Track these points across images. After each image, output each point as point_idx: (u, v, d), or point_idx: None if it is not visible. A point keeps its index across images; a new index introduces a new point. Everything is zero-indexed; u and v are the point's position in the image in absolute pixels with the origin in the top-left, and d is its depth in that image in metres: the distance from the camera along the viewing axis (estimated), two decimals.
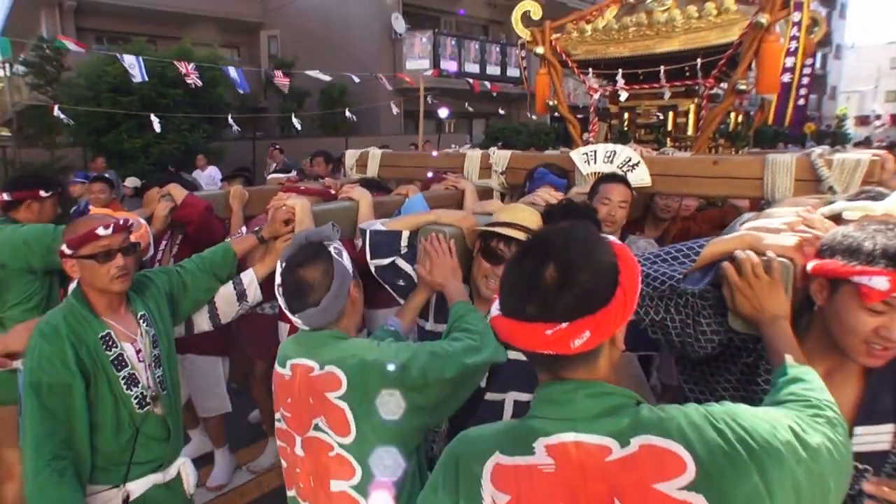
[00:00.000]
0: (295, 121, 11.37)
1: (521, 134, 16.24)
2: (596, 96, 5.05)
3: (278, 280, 1.69)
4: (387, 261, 2.21)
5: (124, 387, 2.06)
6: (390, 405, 1.53)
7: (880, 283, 1.20)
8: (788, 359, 1.26)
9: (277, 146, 10.84)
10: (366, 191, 2.96)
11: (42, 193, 3.30)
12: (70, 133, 12.02)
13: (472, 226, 2.14)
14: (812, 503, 0.96)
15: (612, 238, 1.08)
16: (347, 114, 13.09)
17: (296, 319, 1.65)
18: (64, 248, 2.02)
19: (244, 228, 3.34)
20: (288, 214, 2.54)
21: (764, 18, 3.74)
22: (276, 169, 6.44)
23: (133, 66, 8.29)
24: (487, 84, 15.62)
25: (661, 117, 4.84)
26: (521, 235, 1.97)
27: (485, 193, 3.60)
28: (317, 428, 1.57)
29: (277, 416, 1.71)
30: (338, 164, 6.56)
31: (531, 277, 1.01)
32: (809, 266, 1.35)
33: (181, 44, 12.67)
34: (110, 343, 2.05)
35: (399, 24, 16.93)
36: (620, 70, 4.65)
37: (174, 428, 2.27)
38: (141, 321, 2.18)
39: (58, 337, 1.95)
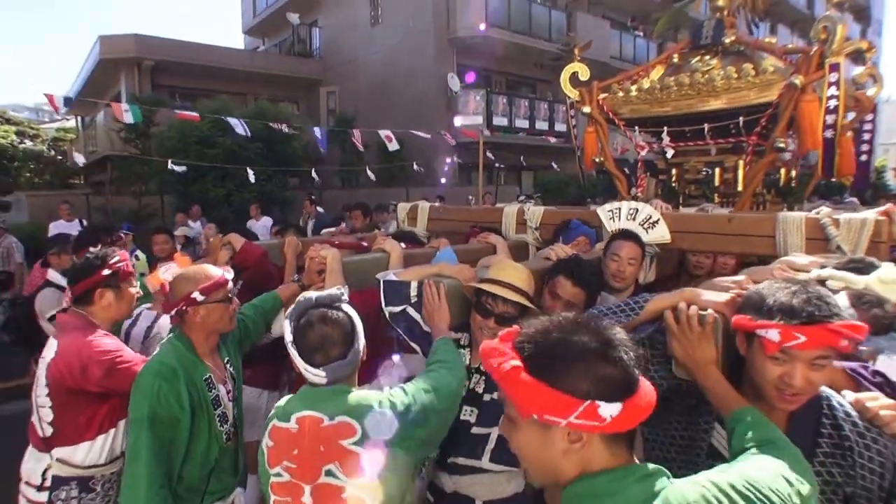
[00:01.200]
0: (369, 173, 12.20)
1: (570, 186, 16.50)
2: (643, 153, 5.18)
3: (291, 337, 1.79)
4: (398, 308, 2.40)
5: (218, 423, 2.28)
6: (402, 444, 1.74)
7: (773, 335, 1.35)
8: (736, 405, 1.42)
9: (312, 196, 11.27)
10: (396, 243, 3.11)
11: None
12: (160, 182, 13.02)
13: (469, 279, 2.37)
14: None
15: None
16: (416, 167, 13.90)
17: (317, 372, 1.75)
18: (196, 295, 2.22)
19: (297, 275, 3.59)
20: (320, 265, 2.75)
21: (798, 80, 3.91)
22: (313, 220, 7.07)
23: (237, 125, 9.46)
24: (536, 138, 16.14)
25: (709, 173, 4.93)
26: (503, 293, 2.15)
27: (519, 247, 3.71)
28: (329, 474, 1.68)
29: (275, 471, 1.74)
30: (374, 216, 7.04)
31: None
32: (732, 321, 1.49)
33: (259, 102, 13.66)
34: (210, 384, 2.27)
35: (454, 82, 17.56)
36: (666, 128, 4.81)
37: (240, 461, 2.49)
38: (227, 365, 2.44)
39: (175, 377, 2.14)
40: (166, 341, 2.31)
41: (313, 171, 11.98)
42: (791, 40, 22.19)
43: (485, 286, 2.20)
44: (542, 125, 18.83)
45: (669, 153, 4.89)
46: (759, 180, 4.48)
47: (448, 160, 13.94)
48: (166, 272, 2.75)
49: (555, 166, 18.30)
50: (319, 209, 10.77)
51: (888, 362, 1.71)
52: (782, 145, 4.12)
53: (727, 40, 4.66)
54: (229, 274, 2.36)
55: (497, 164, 17.03)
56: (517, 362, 1.07)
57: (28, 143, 20.35)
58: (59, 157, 19.67)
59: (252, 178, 10.52)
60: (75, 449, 2.44)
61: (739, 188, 4.77)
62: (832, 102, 3.90)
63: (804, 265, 2.11)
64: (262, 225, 10.75)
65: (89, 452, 2.46)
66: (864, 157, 5.35)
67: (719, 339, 1.55)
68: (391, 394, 1.81)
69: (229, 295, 2.33)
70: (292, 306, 1.89)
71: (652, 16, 23.12)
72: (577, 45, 5.38)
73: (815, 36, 3.98)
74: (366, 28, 19.71)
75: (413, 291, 2.39)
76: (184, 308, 2.23)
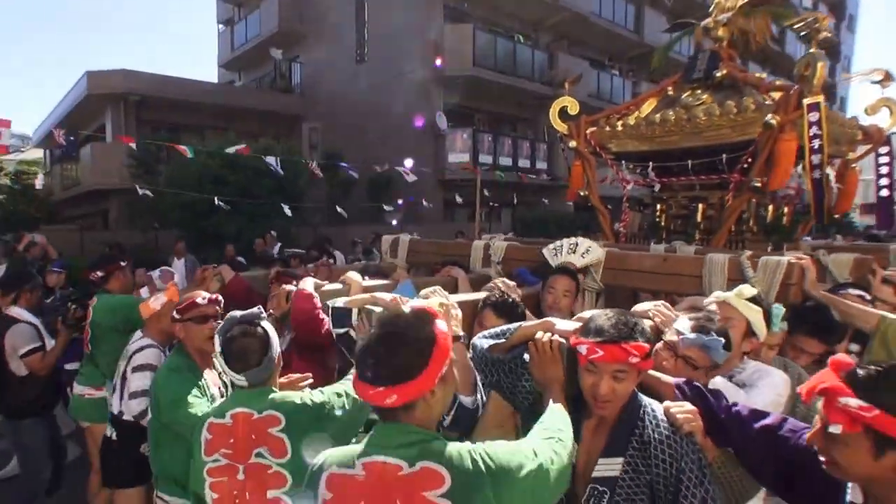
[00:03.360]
0: (340, 210, 12.51)
1: (549, 223, 16.69)
2: (629, 187, 5.26)
3: (219, 347, 2.13)
4: (342, 330, 2.71)
5: None
6: (317, 431, 2.07)
7: (583, 349, 1.69)
8: (550, 405, 1.78)
9: (273, 232, 11.62)
10: (357, 276, 3.36)
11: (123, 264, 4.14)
12: (173, 218, 13.11)
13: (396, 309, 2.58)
14: (542, 495, 1.49)
15: (438, 325, 1.48)
16: (399, 202, 14.06)
17: (239, 377, 2.11)
18: (174, 314, 2.71)
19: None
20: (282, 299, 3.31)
21: (774, 120, 3.94)
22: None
23: (272, 163, 10.01)
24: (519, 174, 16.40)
25: (693, 208, 4.91)
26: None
27: (482, 281, 3.77)
28: (258, 455, 2.05)
29: (213, 457, 2.08)
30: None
31: (370, 350, 1.44)
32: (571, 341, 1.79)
33: (265, 141, 13.86)
34: (207, 387, 2.62)
35: (442, 121, 17.74)
36: (651, 163, 4.87)
37: None
38: (221, 376, 2.76)
39: (181, 369, 2.58)
40: (172, 352, 2.76)
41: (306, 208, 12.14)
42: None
43: None
44: (524, 163, 19.00)
45: (656, 188, 4.96)
46: (735, 218, 4.49)
47: (413, 199, 14.17)
48: (156, 301, 3.11)
49: (545, 201, 18.60)
50: (275, 244, 11.05)
51: (715, 383, 2.13)
52: (758, 185, 4.13)
53: (718, 74, 4.67)
54: (204, 297, 2.74)
55: (491, 203, 17.24)
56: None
57: None
58: (18, 189, 19.20)
59: (288, 213, 11.15)
60: None
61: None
62: (815, 142, 3.85)
63: (705, 304, 2.50)
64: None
65: None
66: (884, 192, 5.18)
67: (564, 359, 1.86)
68: (309, 396, 2.16)
69: (204, 315, 2.70)
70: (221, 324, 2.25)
71: (627, 54, 23.85)
72: (568, 79, 5.46)
73: (797, 73, 4.00)
74: (350, 64, 19.74)
75: (354, 317, 2.70)
76: (172, 325, 2.74)
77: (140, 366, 2.96)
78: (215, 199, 11.05)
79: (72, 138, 10.27)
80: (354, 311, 2.71)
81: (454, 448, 1.44)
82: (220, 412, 2.14)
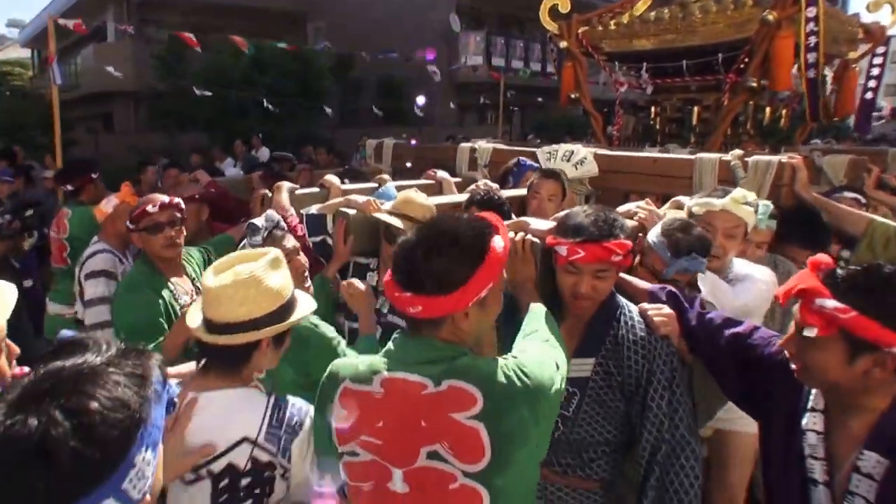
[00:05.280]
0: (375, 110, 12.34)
1: (562, 126, 16.41)
2: (622, 89, 4.98)
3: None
4: (318, 238, 2.63)
5: None
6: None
7: (562, 250, 1.62)
8: (531, 307, 1.62)
9: (259, 135, 11.28)
10: (336, 179, 3.24)
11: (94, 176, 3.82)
12: (202, 121, 13.05)
13: (374, 211, 2.48)
14: (557, 409, 1.35)
15: (494, 241, 1.29)
16: (417, 109, 13.71)
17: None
18: (128, 223, 2.50)
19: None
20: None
21: (771, 16, 3.69)
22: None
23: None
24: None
25: (688, 111, 4.74)
26: (405, 225, 2.26)
27: (468, 185, 3.58)
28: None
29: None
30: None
31: (409, 248, 1.28)
32: (546, 241, 1.71)
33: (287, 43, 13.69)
34: (176, 295, 2.45)
35: (455, 22, 17.07)
36: (645, 64, 4.62)
37: None
38: (194, 282, 2.60)
39: (138, 288, 2.38)
40: (135, 261, 2.61)
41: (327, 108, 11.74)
42: None
43: (386, 218, 2.34)
44: (535, 66, 18.36)
45: (649, 90, 4.73)
46: (730, 120, 4.33)
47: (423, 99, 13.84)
48: (108, 204, 2.96)
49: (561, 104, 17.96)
50: (257, 152, 10.64)
51: (704, 278, 2.04)
52: (753, 85, 3.95)
53: None
54: (155, 203, 2.46)
55: (512, 107, 16.79)
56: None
57: None
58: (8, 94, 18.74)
59: (329, 111, 11.06)
60: None
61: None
62: (812, 39, 3.66)
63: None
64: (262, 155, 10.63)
65: None
66: (868, 95, 4.93)
67: (538, 259, 1.77)
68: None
69: (157, 223, 2.44)
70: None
71: None
72: None
73: None
74: None
75: (329, 223, 2.59)
76: (127, 234, 2.53)
77: (92, 272, 2.80)
78: (243, 99, 11.08)
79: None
80: (329, 216, 2.60)
81: (485, 364, 1.26)
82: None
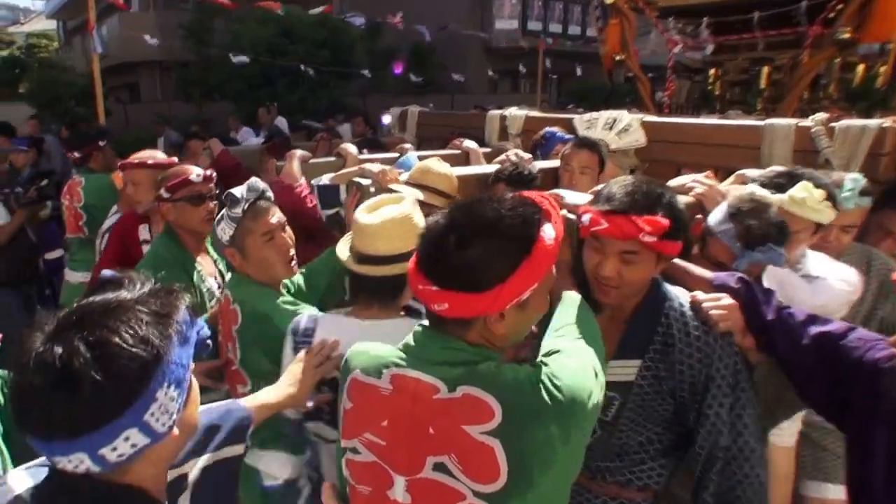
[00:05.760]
0: (412, 77, 12.18)
1: (602, 93, 15.89)
2: (676, 50, 4.57)
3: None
4: (332, 211, 2.46)
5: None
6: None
7: (585, 218, 1.37)
8: (564, 295, 1.38)
9: (275, 104, 10.77)
10: (353, 148, 3.04)
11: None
12: (230, 91, 12.87)
13: (390, 181, 2.31)
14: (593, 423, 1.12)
15: (544, 229, 1.08)
16: (455, 76, 13.35)
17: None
18: (163, 192, 2.25)
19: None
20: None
21: None
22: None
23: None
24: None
25: (755, 72, 4.25)
26: (424, 197, 2.13)
27: (497, 156, 3.31)
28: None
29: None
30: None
31: (439, 232, 1.08)
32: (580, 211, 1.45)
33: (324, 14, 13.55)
34: (201, 277, 2.29)
35: None
36: (706, 19, 4.17)
37: None
38: (216, 263, 2.44)
39: (168, 265, 2.13)
40: (158, 235, 2.40)
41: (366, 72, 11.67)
42: None
43: (402, 189, 2.15)
44: (574, 30, 17.76)
45: (709, 49, 4.20)
46: (808, 81, 3.78)
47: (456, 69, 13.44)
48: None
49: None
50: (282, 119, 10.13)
51: (773, 272, 1.67)
52: (846, 37, 3.37)
53: None
54: (198, 173, 2.31)
55: (552, 75, 16.07)
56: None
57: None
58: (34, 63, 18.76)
59: (368, 73, 10.81)
60: None
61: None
62: None
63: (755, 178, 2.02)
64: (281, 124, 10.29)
65: None
66: None
67: (574, 239, 1.50)
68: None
69: (200, 194, 2.28)
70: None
71: None
72: None
73: None
74: None
75: (343, 195, 2.40)
76: (157, 205, 2.33)
77: None
78: (272, 68, 10.92)
79: None
80: (342, 187, 2.43)
81: (510, 371, 1.07)
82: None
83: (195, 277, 2.26)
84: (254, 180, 1.93)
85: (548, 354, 1.15)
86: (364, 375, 1.17)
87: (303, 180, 2.71)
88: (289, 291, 2.09)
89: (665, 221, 1.31)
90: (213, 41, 13.18)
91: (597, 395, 1.10)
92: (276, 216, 1.89)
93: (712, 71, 4.47)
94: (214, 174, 2.45)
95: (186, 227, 2.31)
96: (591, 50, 17.63)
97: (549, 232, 1.09)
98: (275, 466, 1.78)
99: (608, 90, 15.27)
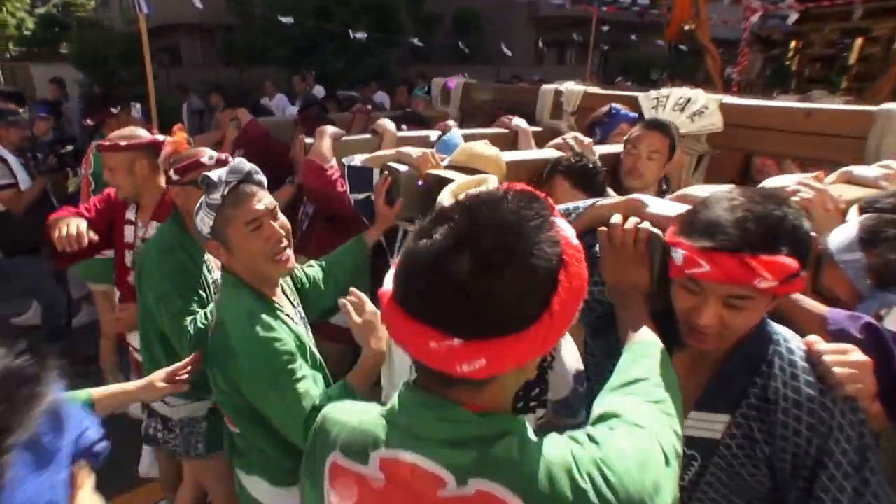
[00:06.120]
0: (462, 47, 12.07)
1: (651, 66, 15.24)
2: (754, 18, 4.14)
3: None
4: (363, 195, 2.25)
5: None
6: None
7: (678, 256, 1.06)
8: (636, 336, 1.10)
9: (313, 72, 10.54)
10: (391, 125, 2.80)
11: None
12: (272, 56, 12.82)
13: (430, 167, 2.07)
14: None
15: (564, 232, 0.80)
16: (504, 48, 13.05)
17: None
18: (172, 174, 2.11)
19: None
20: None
21: None
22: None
23: None
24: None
25: (844, 45, 3.86)
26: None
27: (549, 137, 3.03)
28: None
29: None
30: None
31: (437, 264, 0.74)
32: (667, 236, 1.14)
33: None
34: (209, 268, 2.12)
35: None
36: None
37: None
38: None
39: (172, 250, 2.04)
40: (166, 220, 2.22)
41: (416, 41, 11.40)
42: None
43: (446, 174, 1.91)
44: None
45: (792, 18, 3.72)
46: None
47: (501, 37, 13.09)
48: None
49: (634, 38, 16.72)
50: (319, 87, 9.86)
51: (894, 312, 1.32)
52: None
53: None
54: (211, 156, 2.14)
55: (603, 46, 15.52)
56: None
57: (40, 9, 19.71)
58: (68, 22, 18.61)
59: (418, 40, 10.65)
60: None
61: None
62: None
63: (872, 180, 1.72)
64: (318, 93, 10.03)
65: None
66: None
67: (656, 262, 1.19)
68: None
69: None
70: None
71: None
72: None
73: None
74: None
75: (377, 178, 2.20)
76: (167, 187, 2.18)
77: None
78: (316, 34, 10.86)
79: None
80: (376, 170, 2.21)
81: (539, 455, 0.78)
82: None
83: (202, 267, 2.10)
84: (238, 160, 1.65)
85: (601, 420, 0.89)
86: (346, 459, 0.88)
87: (334, 161, 2.50)
88: (303, 285, 1.96)
89: (792, 263, 0.99)
90: (257, 3, 12.97)
91: (667, 492, 0.80)
92: (264, 201, 1.62)
93: (793, 44, 4.04)
94: (229, 157, 2.22)
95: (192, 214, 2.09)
96: (645, 20, 16.98)
97: (567, 233, 0.81)
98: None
99: (665, 62, 14.63)
